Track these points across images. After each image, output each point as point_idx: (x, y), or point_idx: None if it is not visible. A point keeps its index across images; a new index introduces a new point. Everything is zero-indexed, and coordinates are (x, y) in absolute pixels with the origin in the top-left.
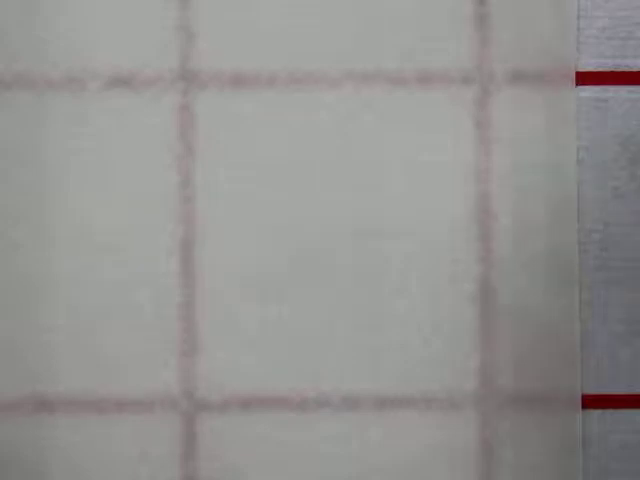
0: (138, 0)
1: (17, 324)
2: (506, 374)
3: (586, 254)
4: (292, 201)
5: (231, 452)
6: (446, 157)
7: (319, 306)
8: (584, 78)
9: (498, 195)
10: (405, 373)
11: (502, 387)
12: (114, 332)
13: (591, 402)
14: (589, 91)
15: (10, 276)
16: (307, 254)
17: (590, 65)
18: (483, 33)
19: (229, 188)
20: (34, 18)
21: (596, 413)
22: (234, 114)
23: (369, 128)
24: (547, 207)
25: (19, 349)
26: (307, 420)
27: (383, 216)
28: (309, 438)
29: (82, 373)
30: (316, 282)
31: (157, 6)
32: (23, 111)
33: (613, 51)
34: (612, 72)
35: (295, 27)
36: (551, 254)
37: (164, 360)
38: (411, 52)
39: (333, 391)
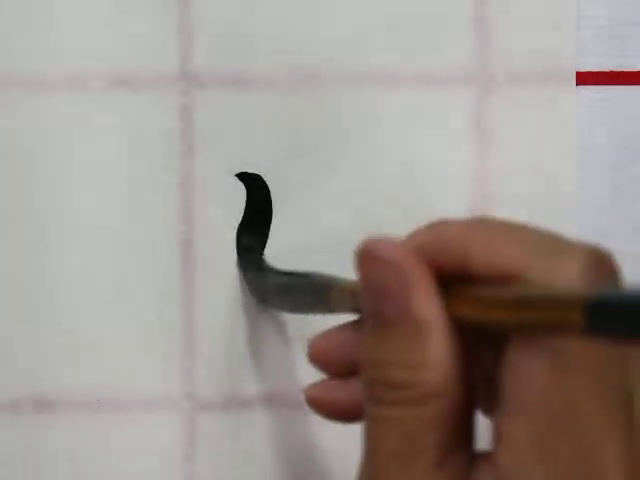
0: (139, 0)
1: (17, 324)
2: None
3: None
4: (292, 201)
5: (231, 452)
6: (446, 157)
7: None
8: (584, 78)
9: (498, 195)
10: None
11: None
12: (114, 332)
13: None
14: (589, 91)
15: (10, 276)
16: (306, 253)
17: (590, 65)
18: (483, 33)
19: (229, 188)
20: (34, 18)
21: None
22: (234, 114)
23: (369, 128)
24: (547, 207)
25: (19, 349)
26: (307, 420)
27: (383, 216)
28: (309, 438)
29: (82, 373)
30: None
31: (157, 6)
32: (23, 111)
33: (613, 51)
34: (612, 72)
35: (295, 27)
36: None
37: (164, 360)
38: (411, 52)
39: None
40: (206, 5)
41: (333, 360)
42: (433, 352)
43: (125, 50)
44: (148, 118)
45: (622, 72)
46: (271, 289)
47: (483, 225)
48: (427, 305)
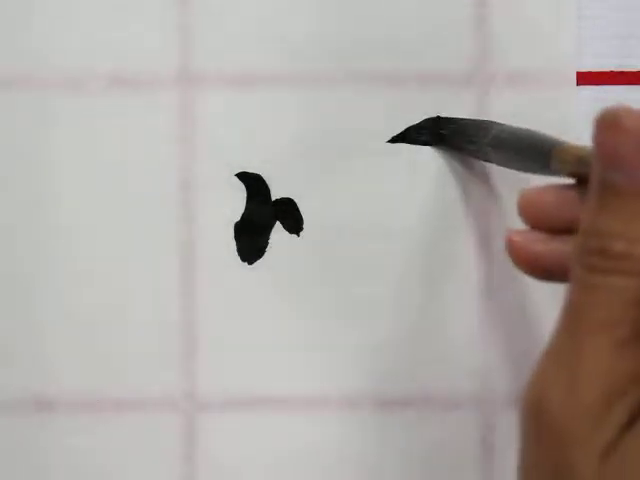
0: (138, 0)
1: (17, 324)
2: (506, 374)
3: None
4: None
5: (231, 452)
6: None
7: (318, 306)
8: (584, 78)
9: (498, 195)
10: (405, 373)
11: (502, 387)
12: (114, 332)
13: None
14: (589, 91)
15: (10, 276)
16: (305, 253)
17: (590, 65)
18: (483, 33)
19: (229, 188)
20: (34, 18)
21: None
22: (234, 114)
23: (369, 128)
24: None
25: (19, 349)
26: (307, 420)
27: (384, 215)
28: (309, 438)
29: (82, 373)
30: (315, 281)
31: (157, 6)
32: (23, 111)
33: (613, 51)
34: (612, 72)
35: (295, 27)
36: None
37: (164, 360)
38: (411, 52)
39: (333, 391)
40: (206, 5)
41: (542, 214)
42: None
43: (125, 50)
44: (148, 118)
45: (622, 72)
46: (490, 142)
47: None
48: None
